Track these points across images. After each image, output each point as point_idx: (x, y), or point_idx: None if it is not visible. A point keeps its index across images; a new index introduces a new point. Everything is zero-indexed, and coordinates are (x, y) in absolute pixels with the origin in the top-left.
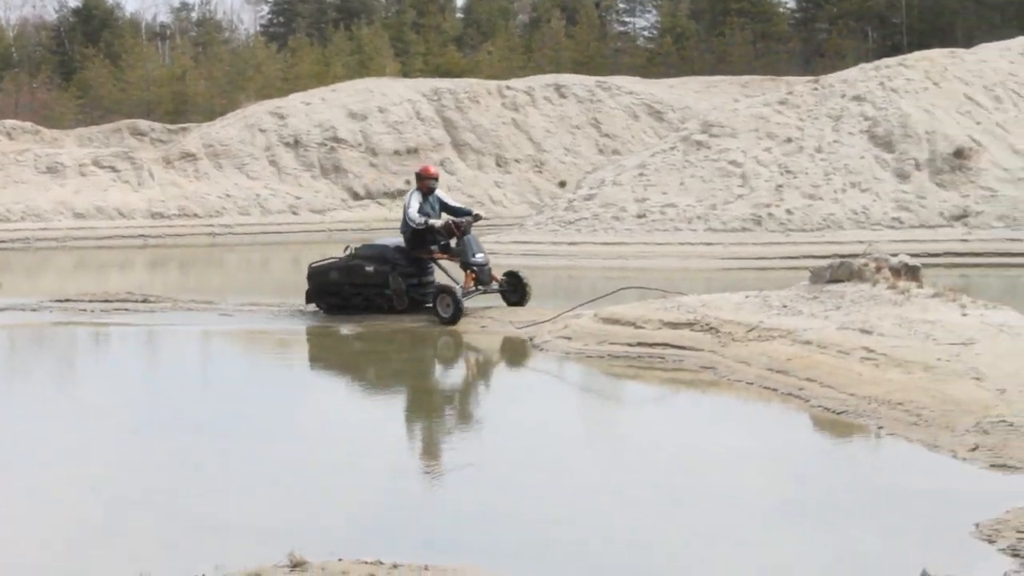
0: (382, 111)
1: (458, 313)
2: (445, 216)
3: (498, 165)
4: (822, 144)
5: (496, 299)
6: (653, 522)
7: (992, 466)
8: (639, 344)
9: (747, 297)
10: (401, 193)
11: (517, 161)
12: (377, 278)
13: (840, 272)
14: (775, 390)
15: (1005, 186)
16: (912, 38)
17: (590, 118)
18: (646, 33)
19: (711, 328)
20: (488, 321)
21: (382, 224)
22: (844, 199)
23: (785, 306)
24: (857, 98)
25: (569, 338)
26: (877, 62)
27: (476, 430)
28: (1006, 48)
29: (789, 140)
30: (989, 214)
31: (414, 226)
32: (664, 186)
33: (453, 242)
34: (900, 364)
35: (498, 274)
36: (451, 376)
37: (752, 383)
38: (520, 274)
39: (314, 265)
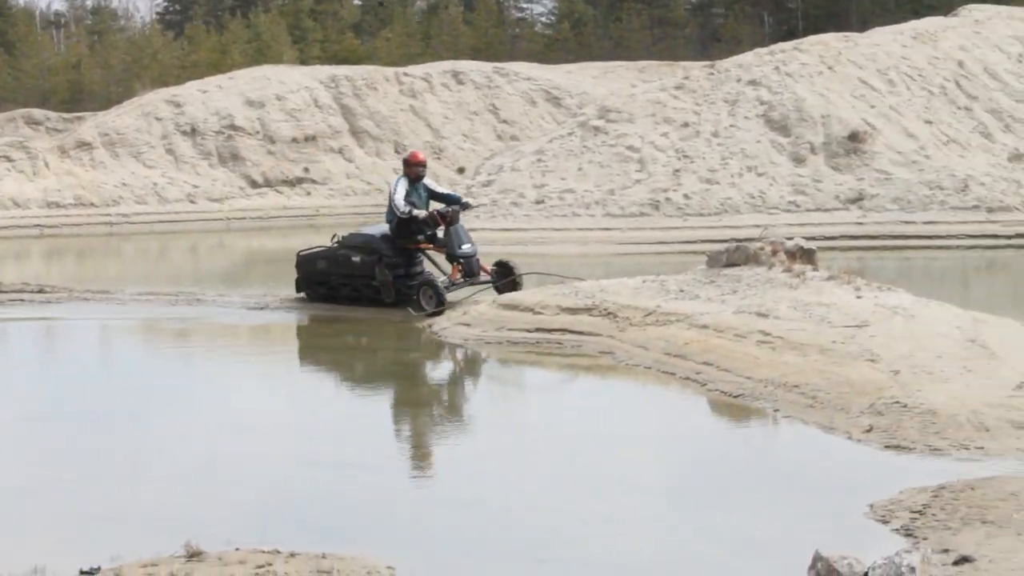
0: (280, 99)
1: (441, 306)
2: (435, 204)
3: (397, 152)
4: (719, 129)
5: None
6: (552, 507)
7: (886, 447)
8: (537, 330)
9: (645, 282)
10: (300, 181)
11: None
12: (364, 268)
13: (736, 256)
14: (673, 374)
15: (899, 169)
16: (808, 23)
17: (488, 104)
18: (544, 19)
19: (609, 313)
20: (387, 308)
21: (280, 212)
22: (741, 183)
23: (682, 290)
24: (753, 82)
25: (468, 324)
26: (772, 47)
27: (374, 419)
28: (899, 32)
29: (686, 125)
30: (884, 197)
31: (399, 215)
32: (562, 172)
33: (440, 232)
34: (796, 347)
35: (487, 264)
36: (348, 365)
37: (650, 368)
38: (511, 263)
39: (302, 253)
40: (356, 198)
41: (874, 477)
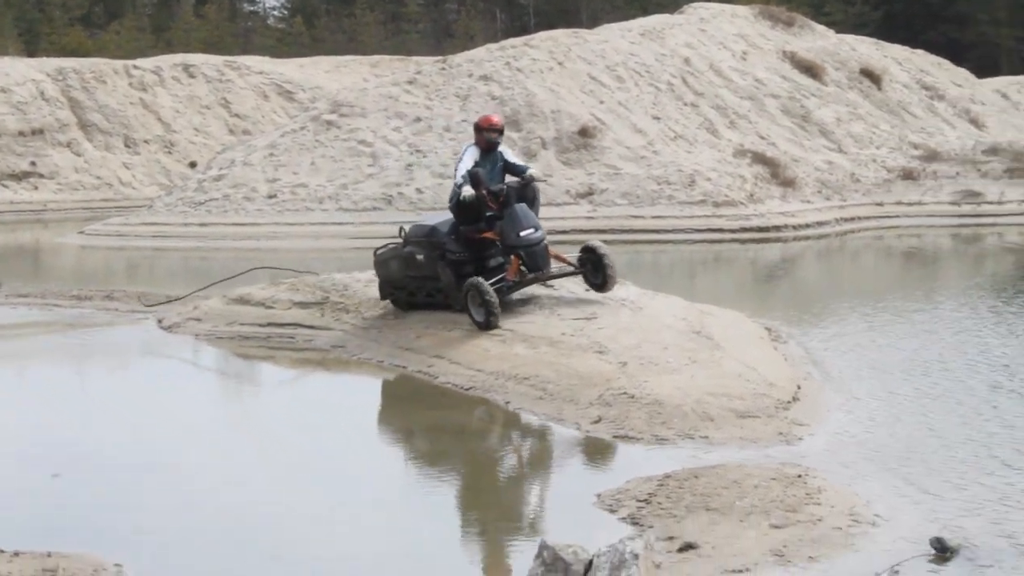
0: (5, 91)
1: (492, 317)
2: (510, 179)
3: (127, 146)
4: (451, 124)
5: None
6: (281, 504)
7: (614, 437)
8: (269, 324)
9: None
10: (27, 175)
11: (146, 142)
12: (429, 268)
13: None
14: (404, 368)
15: (628, 164)
16: (540, 19)
17: (220, 98)
18: (276, 13)
19: (341, 307)
20: (117, 302)
21: (6, 207)
22: None
23: None
24: (484, 78)
25: (199, 319)
26: (503, 42)
27: (96, 419)
28: (627, 29)
29: (418, 120)
30: (613, 191)
31: (456, 191)
32: (295, 166)
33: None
34: (526, 339)
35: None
36: (71, 363)
37: (382, 361)
38: (599, 249)
39: (378, 252)
40: (85, 192)
41: (602, 467)
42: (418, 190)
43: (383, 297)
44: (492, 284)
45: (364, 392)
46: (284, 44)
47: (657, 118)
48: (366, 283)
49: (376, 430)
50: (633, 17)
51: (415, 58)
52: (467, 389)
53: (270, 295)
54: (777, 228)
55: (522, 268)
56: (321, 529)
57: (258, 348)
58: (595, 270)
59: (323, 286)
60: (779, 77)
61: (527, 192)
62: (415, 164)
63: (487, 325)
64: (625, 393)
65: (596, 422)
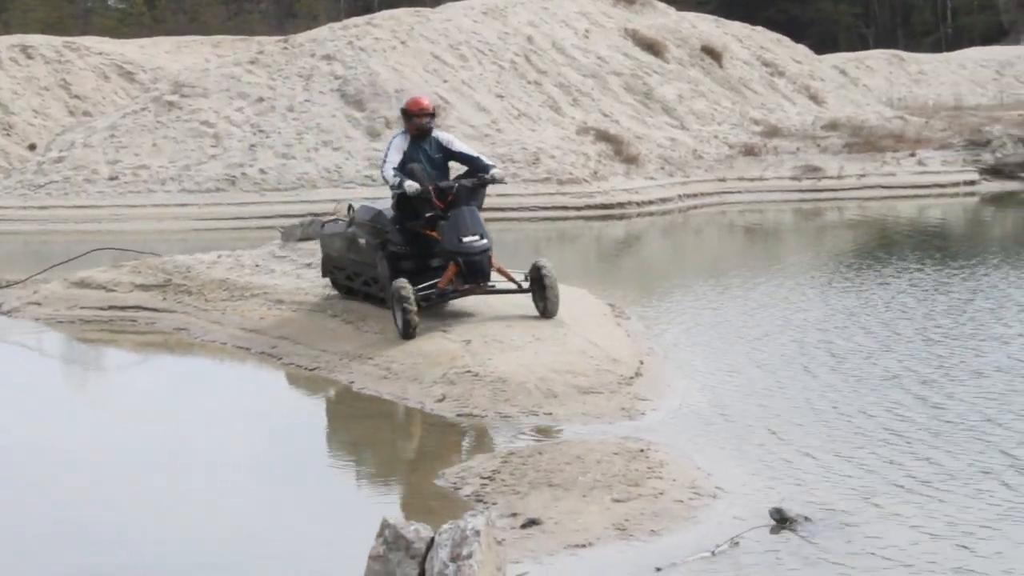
0: None
1: (410, 326)
2: (457, 170)
3: None
4: (294, 103)
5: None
6: (125, 487)
7: (458, 415)
8: (111, 308)
9: (220, 257)
10: None
11: None
12: (369, 255)
13: (310, 230)
14: (248, 349)
15: (472, 143)
16: None
17: (59, 80)
18: None
19: (184, 289)
20: None
21: None
22: (317, 158)
23: (257, 265)
24: (327, 57)
25: (39, 304)
26: (346, 22)
27: None
28: (470, 7)
29: (261, 100)
30: (458, 169)
31: (389, 187)
32: (136, 148)
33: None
34: (370, 320)
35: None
36: None
37: (226, 343)
38: (544, 269)
39: (324, 225)
40: None
41: (446, 445)
42: (262, 171)
43: (324, 275)
44: (420, 290)
45: (206, 375)
46: (125, 25)
47: (501, 96)
48: (209, 265)
49: (217, 413)
50: None
51: (257, 38)
52: (312, 369)
53: (112, 278)
54: (621, 205)
55: (460, 277)
56: (159, 513)
57: (100, 332)
58: (540, 289)
59: (165, 268)
60: (621, 55)
61: (480, 191)
62: (258, 144)
63: (403, 335)
64: (469, 371)
65: (440, 400)
